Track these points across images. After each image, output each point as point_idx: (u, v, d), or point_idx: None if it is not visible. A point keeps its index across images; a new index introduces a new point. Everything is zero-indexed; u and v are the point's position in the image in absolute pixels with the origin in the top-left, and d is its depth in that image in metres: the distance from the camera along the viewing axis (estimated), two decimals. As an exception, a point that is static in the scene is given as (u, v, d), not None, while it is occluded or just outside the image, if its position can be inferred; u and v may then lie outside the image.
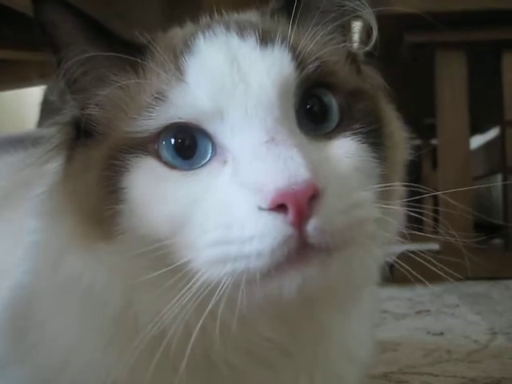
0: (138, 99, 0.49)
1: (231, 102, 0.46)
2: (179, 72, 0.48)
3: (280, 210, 0.41)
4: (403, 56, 2.19)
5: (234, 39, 0.50)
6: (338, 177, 0.46)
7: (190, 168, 0.47)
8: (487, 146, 2.99)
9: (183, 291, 0.44)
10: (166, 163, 0.48)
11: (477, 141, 3.22)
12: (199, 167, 0.47)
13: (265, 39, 0.49)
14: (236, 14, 0.57)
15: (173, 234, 0.46)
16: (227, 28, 0.51)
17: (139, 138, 0.48)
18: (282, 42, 0.49)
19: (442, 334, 1.14)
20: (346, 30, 0.58)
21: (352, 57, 0.57)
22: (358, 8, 0.56)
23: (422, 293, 1.72)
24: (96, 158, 0.50)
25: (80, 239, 0.49)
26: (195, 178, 0.47)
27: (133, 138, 0.48)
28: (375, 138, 0.50)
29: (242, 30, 0.50)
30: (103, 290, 0.49)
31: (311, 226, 0.42)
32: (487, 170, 2.87)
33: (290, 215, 0.41)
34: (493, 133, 3.58)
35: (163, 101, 0.47)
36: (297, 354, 0.53)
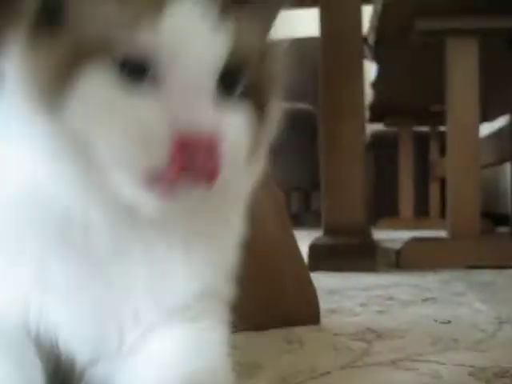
0: (110, 9, 0.54)
1: (180, 55, 0.54)
2: (156, 13, 0.54)
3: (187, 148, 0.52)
4: (413, 42, 2.19)
5: (198, 11, 0.56)
6: (233, 135, 0.56)
7: (137, 81, 0.54)
8: (497, 134, 2.98)
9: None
10: (120, 71, 0.54)
11: (486, 129, 3.21)
12: (138, 86, 0.54)
13: (219, 22, 0.56)
14: None
15: (104, 139, 0.54)
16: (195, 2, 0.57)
17: (106, 46, 0.54)
18: (227, 28, 0.57)
19: (449, 322, 1.15)
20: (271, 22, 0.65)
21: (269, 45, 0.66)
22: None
23: (429, 280, 1.73)
24: (56, 46, 0.55)
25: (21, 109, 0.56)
26: (134, 96, 0.54)
27: (100, 44, 0.54)
28: (258, 117, 0.60)
29: (204, 8, 0.57)
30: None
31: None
32: (496, 159, 2.87)
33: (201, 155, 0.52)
34: (502, 121, 3.56)
35: (133, 28, 0.53)
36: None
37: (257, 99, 0.61)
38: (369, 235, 2.00)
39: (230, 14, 0.58)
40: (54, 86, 0.54)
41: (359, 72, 2.06)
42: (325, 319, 1.15)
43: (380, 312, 1.27)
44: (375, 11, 2.32)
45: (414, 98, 3.55)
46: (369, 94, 3.34)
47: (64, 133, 0.55)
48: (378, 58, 2.68)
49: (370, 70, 3.02)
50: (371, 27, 2.48)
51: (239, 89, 0.59)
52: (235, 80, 0.58)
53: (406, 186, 4.54)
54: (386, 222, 4.37)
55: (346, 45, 2.03)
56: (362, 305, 1.32)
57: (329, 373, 0.83)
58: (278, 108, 0.68)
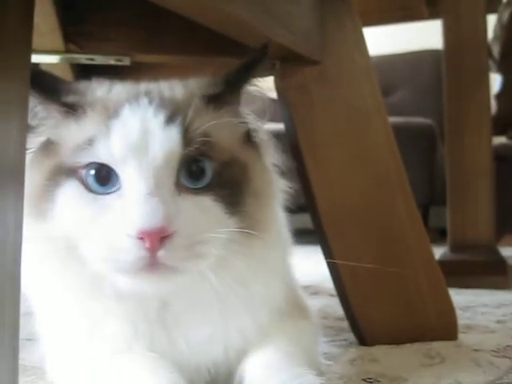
0: (76, 139, 0.70)
1: (132, 160, 0.67)
2: (107, 129, 0.69)
3: (144, 239, 0.64)
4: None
5: (150, 114, 0.70)
6: (189, 224, 0.67)
7: (104, 193, 0.69)
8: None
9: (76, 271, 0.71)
10: (87, 186, 0.69)
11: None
12: (106, 194, 0.69)
13: (171, 118, 0.70)
14: (167, 87, 0.76)
15: (78, 234, 0.69)
16: (150, 102, 0.71)
17: (75, 165, 0.70)
18: (180, 124, 0.70)
19: None
20: (241, 115, 0.77)
21: (247, 133, 0.78)
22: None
23: None
24: (46, 166, 0.72)
25: (29, 210, 0.68)
26: (100, 202, 0.68)
27: (71, 164, 0.70)
28: (232, 198, 0.71)
29: (159, 106, 0.71)
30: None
31: (161, 253, 0.65)
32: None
33: (147, 244, 0.64)
34: None
35: (93, 145, 0.68)
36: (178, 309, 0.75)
37: (229, 185, 0.72)
38: (497, 252, 1.94)
39: (185, 112, 0.70)
40: (40, 196, 0.70)
41: (485, 84, 2.01)
42: (461, 335, 1.13)
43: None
44: (500, 21, 2.26)
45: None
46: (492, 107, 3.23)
47: (50, 235, 0.70)
48: (502, 70, 2.60)
49: (493, 81, 2.93)
50: (495, 38, 2.42)
51: (207, 175, 0.70)
52: (201, 170, 0.70)
53: (530, 201, 4.35)
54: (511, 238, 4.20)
55: (470, 57, 1.99)
56: (498, 322, 1.29)
57: (477, 388, 0.83)
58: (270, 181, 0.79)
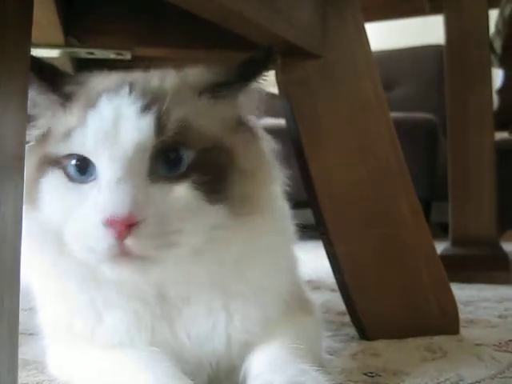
0: (60, 129, 0.71)
1: (104, 149, 0.67)
2: (83, 119, 0.69)
3: (110, 227, 0.64)
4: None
5: (125, 102, 0.69)
6: (160, 212, 0.66)
7: (82, 182, 0.69)
8: None
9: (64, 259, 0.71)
10: (68, 175, 0.70)
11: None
12: (85, 183, 0.69)
13: (147, 107, 0.69)
14: (157, 77, 0.75)
15: (61, 222, 0.69)
16: (130, 91, 0.71)
17: (57, 155, 0.71)
18: (156, 112, 0.69)
19: None
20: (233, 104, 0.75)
21: (237, 120, 0.76)
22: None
23: None
24: (36, 155, 0.73)
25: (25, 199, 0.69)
26: (79, 191, 0.69)
27: (54, 154, 0.71)
28: (214, 185, 0.70)
29: (138, 95, 0.70)
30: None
31: (128, 241, 0.64)
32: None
33: (113, 232, 0.64)
34: None
35: (71, 136, 0.69)
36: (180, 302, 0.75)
37: (210, 172, 0.70)
38: (499, 246, 1.94)
39: (163, 101, 0.70)
40: (31, 185, 0.71)
41: (487, 79, 2.01)
42: (463, 329, 1.13)
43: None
44: (502, 16, 2.25)
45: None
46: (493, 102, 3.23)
47: (37, 219, 0.71)
48: (504, 65, 2.59)
49: (495, 76, 2.92)
50: (497, 32, 2.41)
51: (184, 162, 0.69)
52: (178, 158, 0.69)
53: (532, 197, 4.35)
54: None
55: (472, 52, 1.98)
56: (500, 316, 1.29)
57: (478, 382, 0.82)
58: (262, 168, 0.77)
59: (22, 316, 0.58)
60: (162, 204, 0.67)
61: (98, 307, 0.74)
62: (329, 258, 1.09)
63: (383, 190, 1.07)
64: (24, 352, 0.93)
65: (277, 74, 1.07)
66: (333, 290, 1.44)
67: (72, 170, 0.69)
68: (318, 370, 0.71)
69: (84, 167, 0.69)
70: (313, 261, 1.42)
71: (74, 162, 0.69)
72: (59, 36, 1.09)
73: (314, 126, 1.06)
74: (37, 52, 1.08)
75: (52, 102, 0.74)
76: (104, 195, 0.65)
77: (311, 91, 1.06)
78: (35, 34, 0.61)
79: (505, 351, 0.99)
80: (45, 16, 1.04)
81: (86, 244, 0.66)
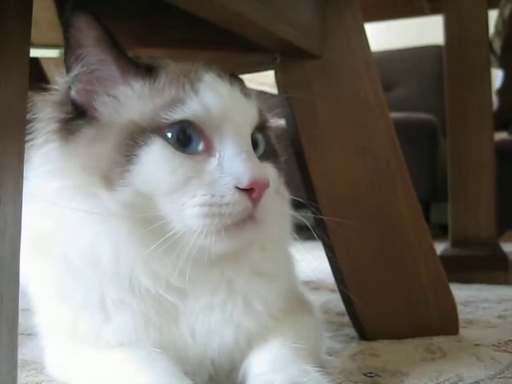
0: (153, 99, 0.72)
1: (227, 122, 0.72)
2: (194, 90, 0.72)
3: (249, 192, 0.68)
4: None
5: (227, 85, 0.75)
6: (273, 182, 0.73)
7: (189, 153, 0.70)
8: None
9: (163, 239, 0.68)
10: (174, 145, 0.70)
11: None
12: (192, 154, 0.70)
13: (243, 93, 0.76)
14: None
15: (166, 193, 0.69)
16: (219, 75, 0.75)
17: (158, 124, 0.70)
18: (254, 99, 0.78)
19: None
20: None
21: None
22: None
23: None
24: (111, 133, 0.70)
25: (86, 189, 0.70)
26: (190, 161, 0.70)
27: (151, 123, 0.70)
28: (279, 164, 0.81)
29: (229, 81, 0.76)
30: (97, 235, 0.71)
31: (259, 205, 0.69)
32: None
33: (255, 194, 0.69)
34: None
35: (181, 104, 0.70)
36: (192, 298, 0.75)
37: (272, 154, 0.79)
38: (499, 247, 1.94)
39: (247, 88, 0.78)
40: (114, 163, 0.69)
41: (486, 80, 2.01)
42: (462, 330, 1.13)
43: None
44: (502, 16, 2.25)
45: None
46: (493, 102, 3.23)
47: (126, 200, 0.69)
48: (504, 65, 2.59)
49: (495, 77, 2.92)
50: (496, 33, 2.41)
51: (262, 146, 0.77)
52: (260, 140, 0.77)
53: (532, 197, 4.34)
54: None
55: (472, 52, 1.98)
56: (499, 317, 1.29)
57: (478, 382, 0.82)
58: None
59: (21, 317, 0.58)
60: (271, 175, 0.75)
61: (107, 307, 0.73)
62: (328, 258, 1.09)
63: (383, 191, 1.07)
64: (23, 352, 0.93)
65: (276, 74, 1.07)
66: (332, 291, 1.44)
67: (173, 139, 0.70)
68: (318, 370, 0.71)
69: (185, 139, 0.71)
70: (312, 261, 1.42)
71: (177, 130, 0.70)
72: (58, 37, 1.08)
73: (313, 126, 1.06)
74: (36, 52, 1.08)
75: (124, 72, 0.74)
76: (242, 162, 0.69)
77: (310, 91, 1.06)
78: (35, 34, 0.61)
79: (504, 351, 0.99)
80: (44, 17, 1.04)
81: (216, 210, 0.68)
